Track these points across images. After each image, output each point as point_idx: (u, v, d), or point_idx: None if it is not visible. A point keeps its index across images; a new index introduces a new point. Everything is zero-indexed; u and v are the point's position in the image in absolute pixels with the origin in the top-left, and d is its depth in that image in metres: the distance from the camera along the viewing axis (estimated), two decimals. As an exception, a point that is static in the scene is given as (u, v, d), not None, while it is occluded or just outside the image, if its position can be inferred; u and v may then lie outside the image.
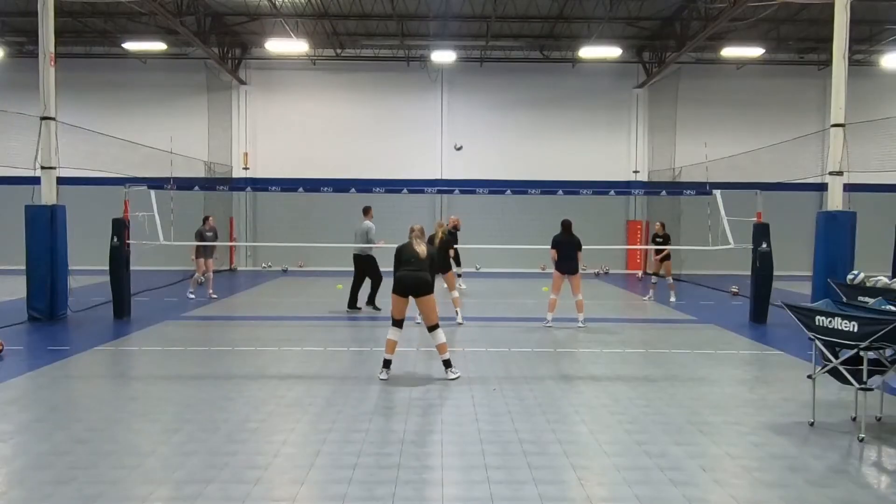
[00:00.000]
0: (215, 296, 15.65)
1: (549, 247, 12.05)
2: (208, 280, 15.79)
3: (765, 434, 6.12)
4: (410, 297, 8.08)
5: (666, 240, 15.80)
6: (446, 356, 8.12)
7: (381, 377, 7.95)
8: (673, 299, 15.46)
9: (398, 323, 8.10)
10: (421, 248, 8.13)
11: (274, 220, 24.07)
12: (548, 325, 11.90)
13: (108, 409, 6.78)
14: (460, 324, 11.83)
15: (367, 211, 13.94)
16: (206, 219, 15.80)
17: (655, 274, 15.99)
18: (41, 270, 12.29)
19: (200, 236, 15.25)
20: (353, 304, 13.75)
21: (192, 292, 15.60)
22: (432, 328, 8.08)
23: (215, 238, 15.93)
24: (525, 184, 20.97)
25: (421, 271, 8.04)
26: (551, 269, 12.25)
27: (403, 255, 8.13)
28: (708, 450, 5.71)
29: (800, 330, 6.48)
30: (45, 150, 12.50)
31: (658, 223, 16.71)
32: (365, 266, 13.80)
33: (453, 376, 8.01)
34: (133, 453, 5.50)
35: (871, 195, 16.91)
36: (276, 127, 24.60)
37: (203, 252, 15.43)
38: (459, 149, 13.98)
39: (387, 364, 8.03)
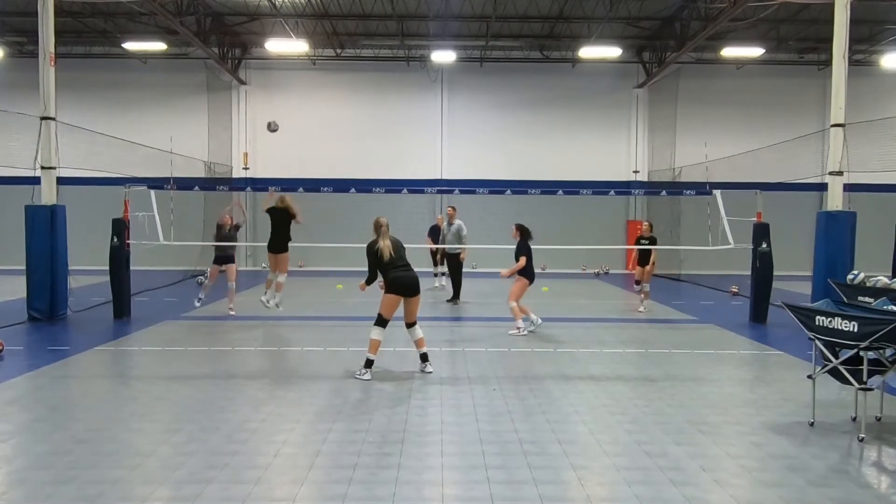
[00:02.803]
0: (233, 312, 13.00)
1: (522, 254, 10.97)
2: (228, 291, 13.18)
3: (765, 434, 6.12)
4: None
5: (652, 242, 14.10)
6: (425, 350, 8.39)
7: (365, 378, 7.93)
8: (642, 309, 14.01)
9: (385, 323, 8.10)
10: (396, 246, 8.20)
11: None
12: (538, 325, 11.31)
13: (108, 409, 6.78)
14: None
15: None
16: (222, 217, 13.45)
17: (638, 282, 14.25)
18: (41, 270, 12.29)
19: (226, 237, 12.97)
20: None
21: (200, 298, 13.30)
22: (414, 324, 8.29)
23: (234, 238, 13.42)
24: (525, 184, 20.97)
25: (412, 270, 8.21)
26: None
27: (386, 257, 8.07)
28: (708, 450, 5.71)
29: (800, 330, 6.47)
30: (45, 150, 12.50)
31: (646, 223, 14.82)
32: (457, 264, 15.01)
33: (430, 369, 8.30)
34: (133, 453, 5.50)
35: (871, 195, 16.92)
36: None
37: (222, 257, 13.01)
38: (274, 131, 13.31)
39: (369, 364, 8.03)
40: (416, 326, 8.30)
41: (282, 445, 5.68)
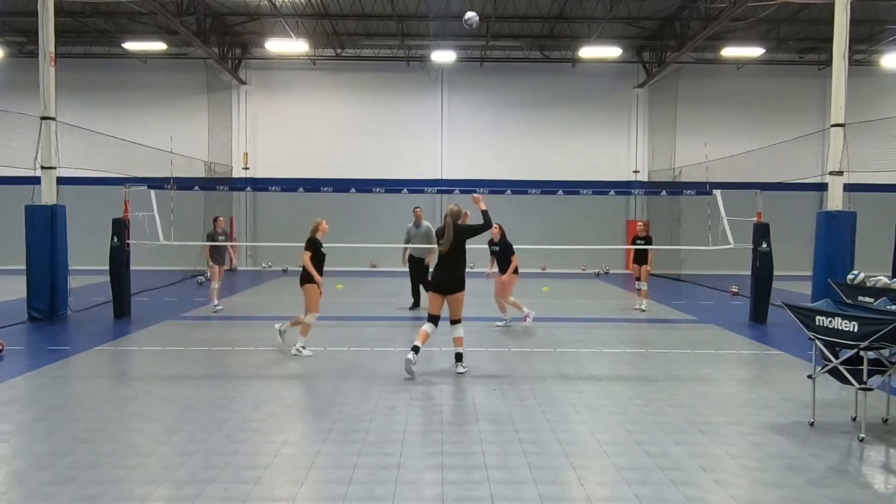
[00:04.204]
0: (220, 307, 13.57)
1: (513, 252, 11.74)
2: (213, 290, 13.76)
3: (765, 434, 6.12)
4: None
5: (647, 242, 14.05)
6: (460, 350, 8.41)
7: (408, 357, 8.00)
8: (640, 307, 14.08)
9: (433, 319, 8.26)
10: (447, 243, 8.30)
11: (274, 219, 24.06)
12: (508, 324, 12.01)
13: (108, 409, 6.78)
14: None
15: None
16: (215, 220, 13.90)
17: (638, 279, 14.19)
18: (41, 270, 12.30)
19: (212, 239, 13.52)
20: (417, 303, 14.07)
21: (217, 305, 13.67)
22: (455, 322, 8.36)
23: (227, 241, 14.11)
24: (525, 184, 20.99)
25: (453, 269, 8.28)
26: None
27: (439, 252, 8.42)
28: (708, 450, 5.70)
29: (800, 330, 6.47)
30: (45, 150, 12.51)
31: (641, 223, 14.94)
32: (423, 271, 13.42)
33: (462, 370, 8.30)
34: (133, 453, 5.50)
35: (871, 195, 16.92)
36: (276, 127, 24.61)
37: (218, 258, 13.61)
38: (471, 25, 10.54)
39: (415, 349, 8.07)
40: (458, 325, 8.36)
41: (282, 445, 5.68)
